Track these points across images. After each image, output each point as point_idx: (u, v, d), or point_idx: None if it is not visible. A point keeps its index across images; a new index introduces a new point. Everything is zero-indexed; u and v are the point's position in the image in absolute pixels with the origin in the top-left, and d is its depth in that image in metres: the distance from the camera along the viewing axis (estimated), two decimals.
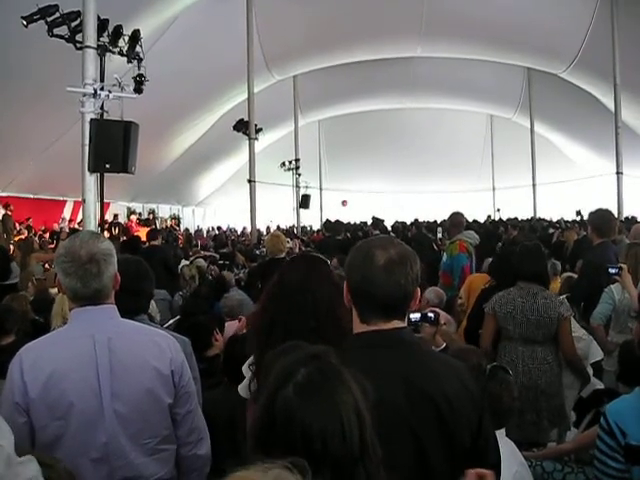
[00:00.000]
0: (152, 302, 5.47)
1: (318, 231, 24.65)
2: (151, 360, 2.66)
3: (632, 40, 18.94)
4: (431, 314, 3.00)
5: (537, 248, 5.32)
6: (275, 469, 1.02)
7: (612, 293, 5.31)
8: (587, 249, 7.44)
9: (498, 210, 30.63)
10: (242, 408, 2.95)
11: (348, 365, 1.96)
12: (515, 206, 29.40)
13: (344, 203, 34.66)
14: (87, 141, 8.72)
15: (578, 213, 21.76)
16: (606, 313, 5.37)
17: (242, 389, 3.04)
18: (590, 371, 5.39)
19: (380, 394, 1.90)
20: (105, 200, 11.42)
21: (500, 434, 2.52)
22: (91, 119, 8.73)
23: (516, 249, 5.64)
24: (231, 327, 5.75)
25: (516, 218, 21.76)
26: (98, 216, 9.67)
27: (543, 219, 23.72)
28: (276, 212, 29.99)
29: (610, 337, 5.35)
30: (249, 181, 17.58)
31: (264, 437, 1.56)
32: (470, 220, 13.05)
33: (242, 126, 19.14)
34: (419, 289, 2.16)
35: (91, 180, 8.94)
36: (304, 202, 26.50)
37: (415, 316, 2.72)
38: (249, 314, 4.79)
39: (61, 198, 22.72)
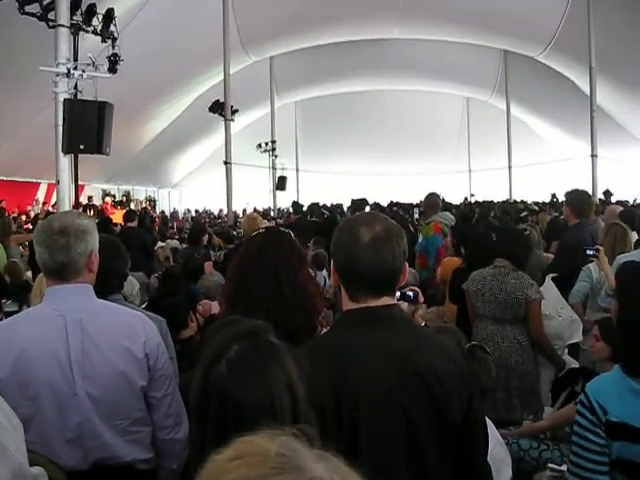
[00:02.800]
0: (135, 284, 5.42)
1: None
2: (124, 341, 2.61)
3: (607, 23, 19.02)
4: (410, 293, 2.98)
5: (517, 229, 5.38)
6: (283, 436, 1.01)
7: (590, 272, 5.36)
8: (562, 230, 7.50)
9: (472, 195, 30.74)
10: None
11: (338, 342, 1.96)
12: (491, 188, 29.56)
13: None
14: (60, 122, 8.61)
15: (553, 196, 21.89)
16: (584, 291, 5.43)
17: None
18: (566, 350, 5.44)
19: (371, 370, 1.91)
20: (80, 182, 11.31)
21: None
22: (64, 99, 8.61)
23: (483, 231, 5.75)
24: (211, 307, 5.74)
25: (492, 201, 21.87)
26: (72, 198, 9.58)
27: (522, 201, 23.81)
28: (252, 194, 29.90)
29: (587, 316, 5.40)
30: (225, 163, 17.49)
31: (201, 411, 1.60)
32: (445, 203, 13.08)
33: (218, 107, 19.00)
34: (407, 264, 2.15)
35: (65, 161, 8.83)
36: (280, 184, 26.43)
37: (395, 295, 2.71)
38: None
39: (35, 180, 22.46)
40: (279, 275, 2.75)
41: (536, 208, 17.57)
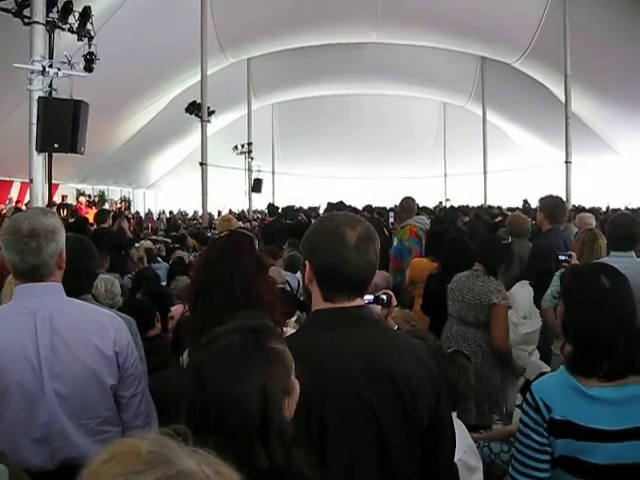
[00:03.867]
0: (117, 285, 5.37)
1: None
2: (94, 340, 2.59)
3: (583, 32, 19.21)
4: (384, 296, 2.97)
5: (498, 238, 5.55)
6: (154, 435, 1.05)
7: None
8: (535, 235, 7.55)
9: (447, 200, 30.88)
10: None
11: (308, 343, 1.97)
12: (466, 193, 29.72)
13: None
14: (35, 120, 8.55)
15: (525, 202, 22.07)
16: (556, 296, 5.47)
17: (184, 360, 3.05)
18: (537, 355, 5.50)
19: (342, 372, 1.91)
20: (54, 181, 11.24)
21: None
22: (39, 97, 8.54)
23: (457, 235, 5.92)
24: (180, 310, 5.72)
25: (467, 206, 21.99)
26: (46, 197, 9.51)
27: (492, 206, 23.98)
28: (228, 196, 29.83)
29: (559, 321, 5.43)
30: (201, 164, 17.44)
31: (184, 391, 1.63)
32: (420, 206, 13.09)
33: (194, 108, 18.96)
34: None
35: (39, 160, 8.78)
36: (256, 186, 26.39)
37: (368, 298, 2.70)
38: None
39: (8, 179, 22.15)
40: (234, 283, 2.74)
41: (509, 213, 17.68)
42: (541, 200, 6.87)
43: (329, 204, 17.41)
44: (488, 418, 5.00)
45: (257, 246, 2.98)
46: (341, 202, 15.12)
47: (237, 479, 1.03)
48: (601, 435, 2.36)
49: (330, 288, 2.09)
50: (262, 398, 1.56)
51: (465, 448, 3.14)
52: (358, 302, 2.10)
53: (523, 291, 5.74)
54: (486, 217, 14.87)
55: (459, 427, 3.13)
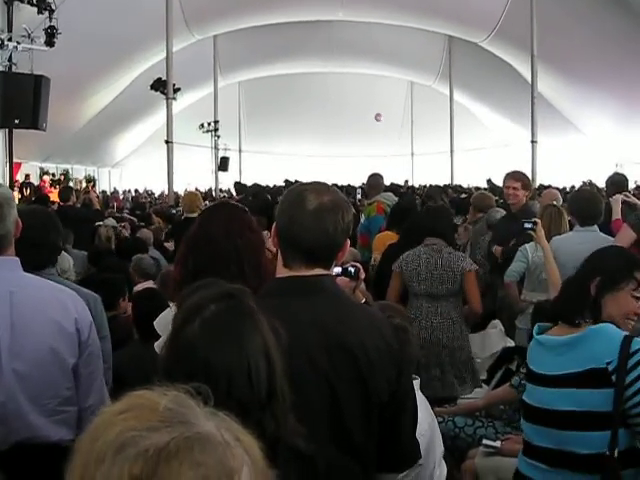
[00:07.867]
0: (69, 259, 5.29)
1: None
2: (55, 317, 2.52)
3: (549, 12, 19.35)
4: (352, 268, 2.95)
5: (445, 209, 5.60)
6: (174, 391, 0.97)
7: (526, 252, 5.45)
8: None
9: (406, 182, 30.68)
10: (156, 364, 2.89)
11: (264, 310, 1.91)
12: (433, 172, 29.83)
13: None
14: None
15: (489, 181, 22.23)
16: (520, 271, 5.52)
17: (159, 346, 2.97)
18: (502, 328, 5.56)
19: (295, 341, 1.86)
20: (16, 160, 11.04)
21: (415, 384, 2.53)
22: None
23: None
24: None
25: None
26: (7, 176, 9.35)
27: (459, 185, 24.11)
28: (194, 174, 29.61)
29: (523, 295, 5.50)
30: (166, 142, 17.23)
31: (169, 372, 1.50)
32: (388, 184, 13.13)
33: (159, 85, 18.67)
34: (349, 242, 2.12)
35: None
36: (223, 165, 26.15)
37: (336, 270, 2.67)
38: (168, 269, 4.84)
39: None
40: (241, 259, 2.67)
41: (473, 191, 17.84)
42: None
43: (286, 182, 17.35)
44: (457, 390, 5.04)
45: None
46: (297, 181, 15.12)
47: (257, 448, 0.96)
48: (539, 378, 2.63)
49: (287, 252, 2.06)
50: (266, 362, 1.49)
51: (428, 422, 3.14)
52: (318, 271, 2.04)
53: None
54: (441, 198, 14.97)
55: (421, 400, 3.13)
